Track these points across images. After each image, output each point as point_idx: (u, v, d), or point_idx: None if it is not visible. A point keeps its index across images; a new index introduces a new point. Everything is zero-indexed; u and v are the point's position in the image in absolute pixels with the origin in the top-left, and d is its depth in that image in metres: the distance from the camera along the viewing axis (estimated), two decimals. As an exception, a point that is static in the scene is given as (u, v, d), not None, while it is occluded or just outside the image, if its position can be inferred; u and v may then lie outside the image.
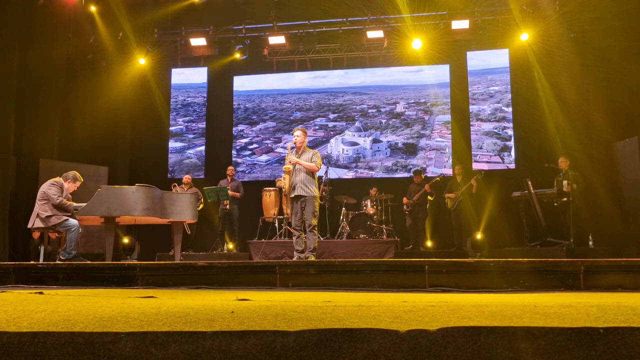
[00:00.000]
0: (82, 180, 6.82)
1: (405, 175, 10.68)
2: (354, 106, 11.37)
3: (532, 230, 8.28)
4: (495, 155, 10.43)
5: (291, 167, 6.26)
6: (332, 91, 11.56)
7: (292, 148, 6.42)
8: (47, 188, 6.41)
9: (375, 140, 11.13)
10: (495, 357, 1.35)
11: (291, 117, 11.57)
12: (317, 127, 11.42)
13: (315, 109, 11.53)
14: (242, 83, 11.86)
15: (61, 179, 6.61)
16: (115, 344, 1.40)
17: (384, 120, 11.17)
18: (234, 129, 11.72)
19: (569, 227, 7.75)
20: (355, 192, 10.08)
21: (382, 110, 11.23)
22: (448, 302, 2.45)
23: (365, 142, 11.18)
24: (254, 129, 11.67)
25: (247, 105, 11.80)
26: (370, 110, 11.28)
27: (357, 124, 11.29)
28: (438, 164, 10.65)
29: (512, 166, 10.26)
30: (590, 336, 1.38)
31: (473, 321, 1.64)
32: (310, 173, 6.28)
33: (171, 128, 11.83)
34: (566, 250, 7.31)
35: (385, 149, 11.06)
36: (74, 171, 6.83)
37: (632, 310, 1.91)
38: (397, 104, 11.18)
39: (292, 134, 6.57)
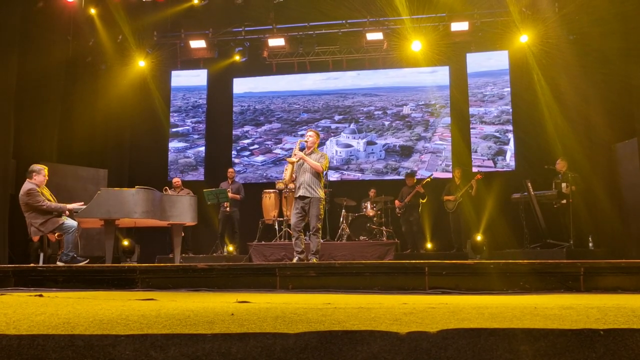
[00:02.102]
0: (43, 166, 6.56)
1: (395, 177, 10.73)
2: (362, 108, 11.38)
3: (532, 232, 8.28)
4: (488, 159, 10.44)
5: (295, 159, 6.17)
6: (342, 92, 11.57)
7: (300, 143, 6.32)
8: (27, 199, 6.25)
9: (370, 143, 11.14)
10: (496, 359, 1.35)
11: (297, 119, 11.60)
12: (319, 129, 11.44)
13: (323, 111, 11.55)
14: (256, 85, 11.90)
15: (28, 182, 6.38)
16: (115, 346, 1.40)
17: (387, 122, 11.17)
18: (239, 129, 11.76)
19: (569, 228, 7.75)
20: (355, 194, 10.08)
21: (389, 112, 11.23)
22: (448, 304, 2.45)
23: (358, 144, 11.19)
24: (258, 130, 11.71)
25: (256, 107, 11.83)
26: (376, 112, 11.28)
27: (352, 126, 11.31)
28: (430, 167, 10.62)
29: (504, 170, 10.28)
30: (590, 338, 1.38)
31: (473, 323, 1.64)
32: (317, 174, 6.19)
33: (179, 129, 11.88)
34: (566, 251, 7.31)
35: (380, 151, 11.07)
36: (32, 165, 6.58)
37: (632, 311, 1.91)
38: (405, 106, 11.17)
39: (305, 134, 6.43)
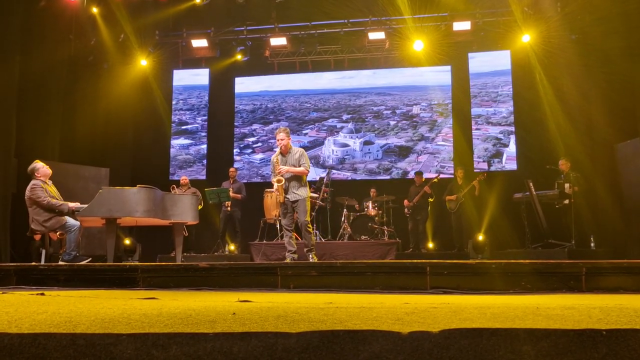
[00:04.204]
0: (40, 162, 6.53)
1: (387, 177, 10.75)
2: (372, 107, 11.35)
3: (534, 232, 8.27)
4: (483, 161, 10.42)
5: (283, 180, 6.16)
6: (355, 92, 11.54)
7: (279, 152, 6.28)
8: (30, 193, 6.27)
9: (367, 142, 11.12)
10: (498, 359, 1.35)
11: (306, 118, 11.60)
12: (324, 128, 11.42)
13: (333, 110, 11.54)
14: (272, 83, 11.90)
15: (34, 179, 6.38)
16: (117, 345, 1.40)
17: (392, 122, 11.14)
18: (248, 127, 11.78)
19: (571, 228, 7.74)
20: (355, 193, 10.07)
21: (397, 111, 11.19)
22: (450, 303, 2.45)
23: (355, 143, 11.17)
24: (266, 128, 11.71)
25: (268, 105, 11.83)
26: (385, 112, 11.25)
27: (350, 125, 11.30)
28: (425, 168, 10.55)
29: (504, 170, 10.26)
30: (592, 338, 1.38)
31: (475, 323, 1.64)
32: (300, 176, 6.22)
33: (188, 126, 11.91)
34: (568, 251, 7.31)
35: (377, 151, 11.05)
36: (30, 166, 6.53)
37: (634, 312, 1.90)
38: (416, 105, 11.12)
39: (276, 138, 6.35)
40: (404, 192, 9.74)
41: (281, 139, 6.24)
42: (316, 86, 11.74)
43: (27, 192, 6.33)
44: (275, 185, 6.21)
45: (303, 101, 11.70)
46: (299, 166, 6.18)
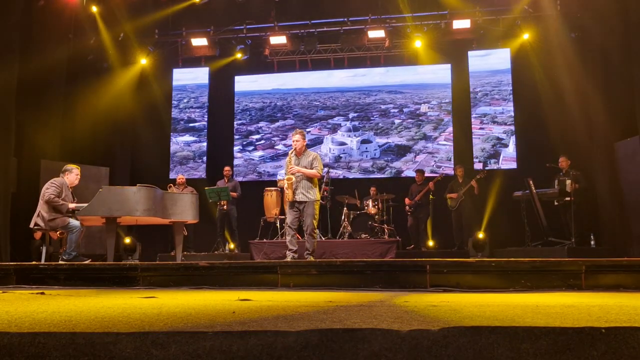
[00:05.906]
0: (77, 167, 6.72)
1: (380, 176, 10.75)
2: (380, 105, 11.27)
3: (534, 230, 8.27)
4: (479, 162, 10.40)
5: (293, 178, 6.15)
6: (367, 90, 11.46)
7: (292, 153, 6.29)
8: (46, 187, 6.36)
9: (365, 141, 11.09)
10: (497, 358, 1.35)
11: (313, 116, 11.56)
12: (329, 126, 11.40)
13: (340, 108, 11.48)
14: (284, 82, 11.83)
15: (61, 176, 6.53)
16: (116, 344, 1.40)
17: (397, 121, 11.09)
18: (254, 125, 11.75)
19: (570, 226, 7.74)
20: (353, 192, 10.06)
21: (405, 110, 11.11)
22: (449, 302, 2.45)
23: (352, 142, 11.15)
24: (272, 126, 11.68)
25: (277, 103, 11.80)
26: (392, 110, 11.18)
27: (348, 124, 11.28)
28: (421, 167, 10.46)
29: (505, 168, 10.24)
30: (592, 336, 1.38)
31: (474, 321, 1.64)
32: (311, 178, 6.21)
33: (196, 124, 11.89)
34: (567, 250, 7.31)
35: (374, 150, 11.03)
36: (66, 165, 6.74)
37: (634, 310, 1.91)
38: (425, 104, 11.03)
39: (291, 138, 6.38)
40: (401, 190, 9.73)
41: (296, 141, 6.25)
42: (328, 84, 11.67)
43: (46, 184, 6.41)
44: (285, 183, 6.21)
45: (313, 99, 11.64)
46: (312, 169, 6.18)
